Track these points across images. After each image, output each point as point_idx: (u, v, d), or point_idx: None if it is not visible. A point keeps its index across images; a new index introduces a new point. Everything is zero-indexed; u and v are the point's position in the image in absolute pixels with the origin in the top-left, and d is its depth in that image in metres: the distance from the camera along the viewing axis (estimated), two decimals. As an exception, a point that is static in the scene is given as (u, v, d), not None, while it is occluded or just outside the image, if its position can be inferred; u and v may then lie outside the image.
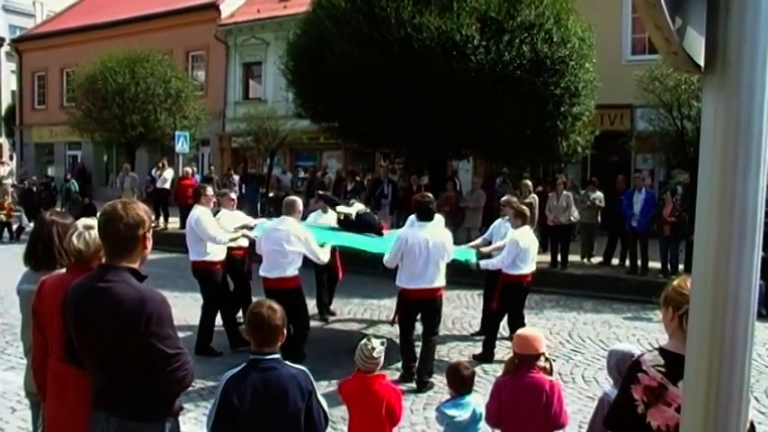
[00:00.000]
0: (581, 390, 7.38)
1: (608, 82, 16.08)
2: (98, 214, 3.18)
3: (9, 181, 25.31)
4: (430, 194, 8.15)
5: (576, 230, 14.90)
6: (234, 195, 9.89)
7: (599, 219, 14.95)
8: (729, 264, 1.22)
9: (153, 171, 22.33)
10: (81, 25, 34.09)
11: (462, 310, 11.01)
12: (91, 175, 32.17)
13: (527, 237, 8.57)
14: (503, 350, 8.64)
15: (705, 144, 1.25)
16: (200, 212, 8.67)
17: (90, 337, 3.08)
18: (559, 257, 14.25)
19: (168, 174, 21.12)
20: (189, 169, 21.16)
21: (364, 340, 4.80)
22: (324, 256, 8.18)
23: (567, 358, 8.63)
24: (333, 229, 9.55)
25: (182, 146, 21.60)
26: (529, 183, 14.63)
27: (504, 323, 8.95)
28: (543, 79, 14.13)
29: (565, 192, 14.30)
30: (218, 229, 8.61)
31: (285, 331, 3.53)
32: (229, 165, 26.21)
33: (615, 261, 14.42)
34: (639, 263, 13.46)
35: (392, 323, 8.70)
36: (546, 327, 10.04)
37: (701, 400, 1.28)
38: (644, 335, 9.80)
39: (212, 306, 8.75)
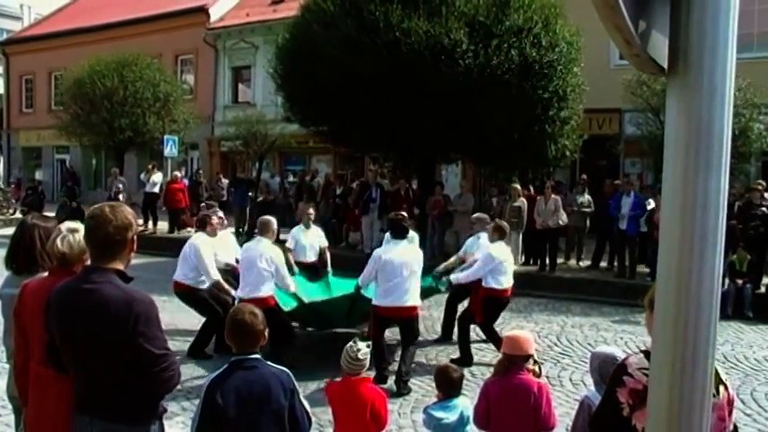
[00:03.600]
0: (569, 393, 7.40)
1: (596, 86, 16.16)
2: (86, 217, 3.17)
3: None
4: (408, 212, 8.21)
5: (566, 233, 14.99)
6: (216, 219, 9.54)
7: (587, 222, 15.03)
8: (692, 263, 1.24)
9: (142, 175, 22.28)
10: (69, 28, 33.98)
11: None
12: (79, 179, 32.05)
13: (502, 251, 8.63)
14: (490, 353, 8.68)
15: (669, 145, 1.26)
16: (201, 243, 8.77)
17: (75, 340, 3.07)
18: (548, 261, 14.30)
19: (157, 178, 21.07)
20: (178, 173, 21.13)
21: (350, 343, 4.81)
22: (291, 287, 8.23)
23: (555, 361, 8.66)
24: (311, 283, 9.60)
25: (170, 150, 21.57)
26: (518, 187, 14.68)
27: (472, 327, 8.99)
28: (531, 83, 14.16)
29: (553, 195, 14.35)
30: (214, 266, 8.68)
31: (266, 334, 3.56)
32: (218, 169, 26.13)
33: (604, 264, 14.48)
34: (628, 266, 13.50)
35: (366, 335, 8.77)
36: (534, 330, 10.07)
37: (665, 400, 1.29)
38: (632, 338, 9.84)
39: (214, 316, 8.69)
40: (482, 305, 8.63)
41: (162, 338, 3.08)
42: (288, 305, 8.39)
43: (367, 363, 4.80)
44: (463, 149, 16.47)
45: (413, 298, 7.58)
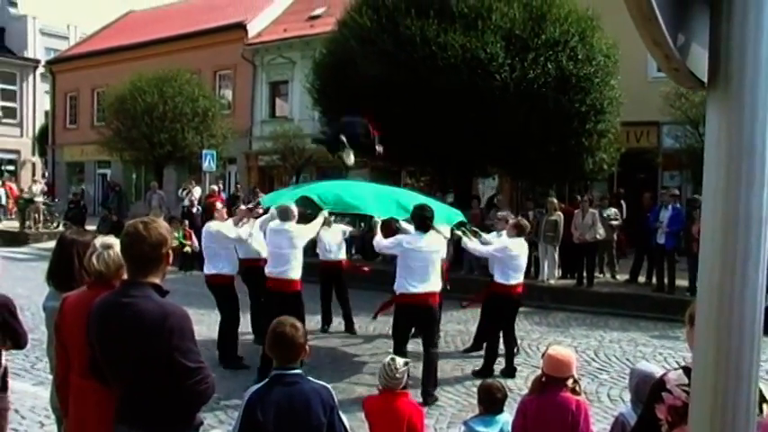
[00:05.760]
0: (606, 409, 7.29)
1: (634, 99, 16.01)
2: (121, 234, 3.23)
3: (41, 199, 25.66)
4: (430, 207, 8.18)
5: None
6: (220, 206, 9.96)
7: (615, 235, 14.91)
8: (734, 279, 1.21)
9: (180, 191, 22.57)
10: (111, 46, 34.74)
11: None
12: (124, 193, 32.43)
13: (518, 246, 8.70)
14: (527, 369, 8.61)
15: (709, 161, 1.24)
16: (215, 225, 8.97)
17: (114, 352, 3.13)
18: (585, 275, 14.15)
19: (196, 192, 21.34)
20: (215, 187, 21.34)
21: (388, 359, 4.81)
22: (315, 226, 8.58)
23: (592, 377, 8.55)
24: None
25: (209, 164, 21.83)
26: (554, 200, 14.58)
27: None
28: (568, 96, 14.11)
29: (590, 209, 14.22)
30: (235, 229, 8.85)
31: (307, 348, 3.56)
32: (255, 183, 26.35)
33: (642, 279, 14.29)
34: (666, 280, 13.30)
35: (374, 317, 9.03)
36: (572, 345, 9.95)
37: (707, 418, 1.27)
38: (671, 353, 9.69)
39: (232, 319, 8.92)
40: (490, 301, 8.74)
41: (196, 351, 3.11)
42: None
43: (405, 379, 4.79)
44: (500, 163, 16.43)
45: (433, 285, 7.63)
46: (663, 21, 1.11)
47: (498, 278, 8.67)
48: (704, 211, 1.26)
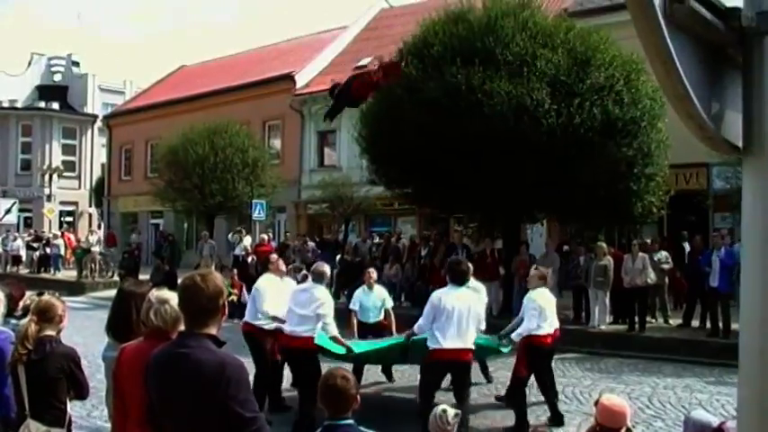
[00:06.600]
0: (663, 458, 7.14)
1: (682, 140, 15.70)
2: (178, 287, 3.35)
3: (97, 249, 26.30)
4: (468, 262, 8.09)
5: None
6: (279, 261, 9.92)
7: (666, 279, 14.67)
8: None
9: (230, 235, 22.94)
10: (164, 100, 35.87)
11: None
12: (177, 243, 32.91)
13: (543, 297, 8.52)
14: (579, 416, 8.47)
15: (746, 223, 1.29)
16: (262, 280, 9.22)
17: (171, 402, 3.19)
18: (637, 320, 13.94)
19: (247, 241, 21.65)
20: (265, 236, 21.62)
21: (439, 410, 4.83)
22: (334, 332, 8.10)
23: (647, 424, 8.39)
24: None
25: (258, 213, 22.16)
26: (603, 245, 14.45)
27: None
28: (615, 141, 14.06)
29: (641, 253, 14.05)
30: (268, 304, 8.81)
31: (359, 398, 3.61)
32: (304, 232, 26.51)
33: (696, 323, 14.01)
34: (721, 324, 13.00)
35: None
36: (625, 392, 9.79)
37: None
38: (728, 400, 9.43)
39: (262, 372, 8.78)
40: (527, 355, 8.42)
41: (252, 401, 3.16)
42: (335, 350, 8.35)
43: (456, 430, 4.80)
44: (548, 208, 16.37)
45: (469, 342, 7.39)
46: (696, 97, 1.17)
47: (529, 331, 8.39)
48: (743, 273, 1.30)
